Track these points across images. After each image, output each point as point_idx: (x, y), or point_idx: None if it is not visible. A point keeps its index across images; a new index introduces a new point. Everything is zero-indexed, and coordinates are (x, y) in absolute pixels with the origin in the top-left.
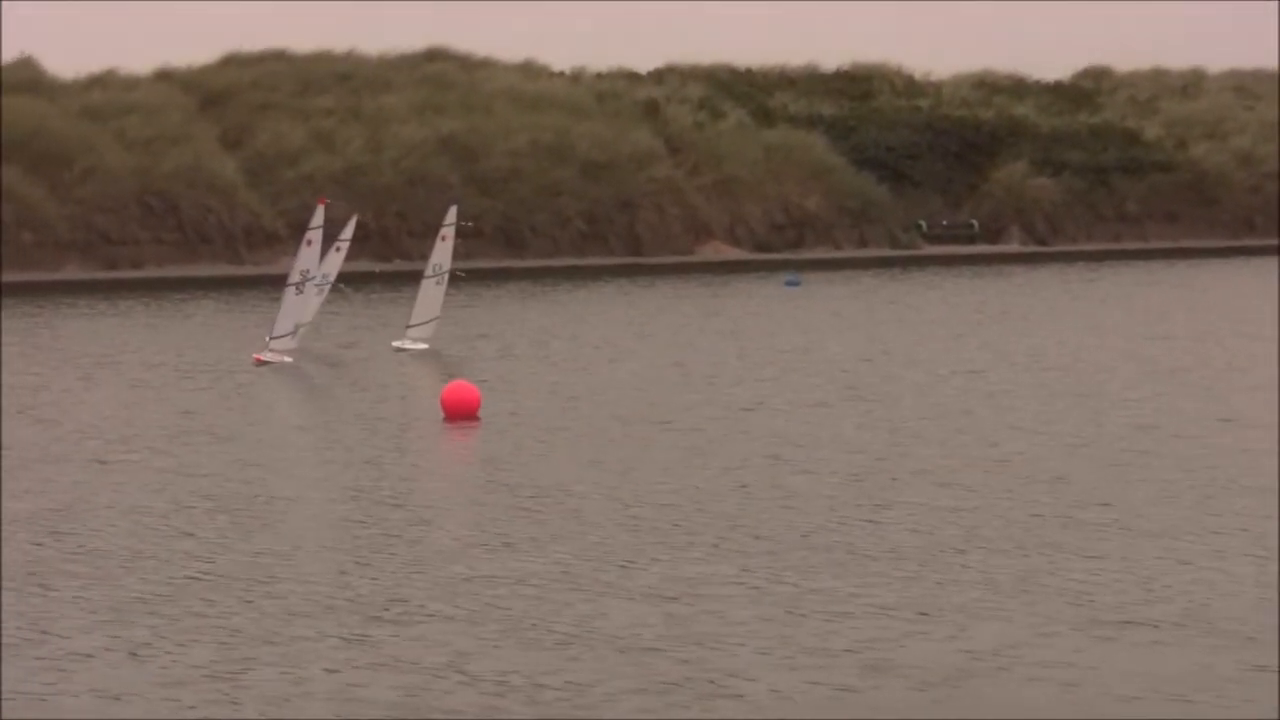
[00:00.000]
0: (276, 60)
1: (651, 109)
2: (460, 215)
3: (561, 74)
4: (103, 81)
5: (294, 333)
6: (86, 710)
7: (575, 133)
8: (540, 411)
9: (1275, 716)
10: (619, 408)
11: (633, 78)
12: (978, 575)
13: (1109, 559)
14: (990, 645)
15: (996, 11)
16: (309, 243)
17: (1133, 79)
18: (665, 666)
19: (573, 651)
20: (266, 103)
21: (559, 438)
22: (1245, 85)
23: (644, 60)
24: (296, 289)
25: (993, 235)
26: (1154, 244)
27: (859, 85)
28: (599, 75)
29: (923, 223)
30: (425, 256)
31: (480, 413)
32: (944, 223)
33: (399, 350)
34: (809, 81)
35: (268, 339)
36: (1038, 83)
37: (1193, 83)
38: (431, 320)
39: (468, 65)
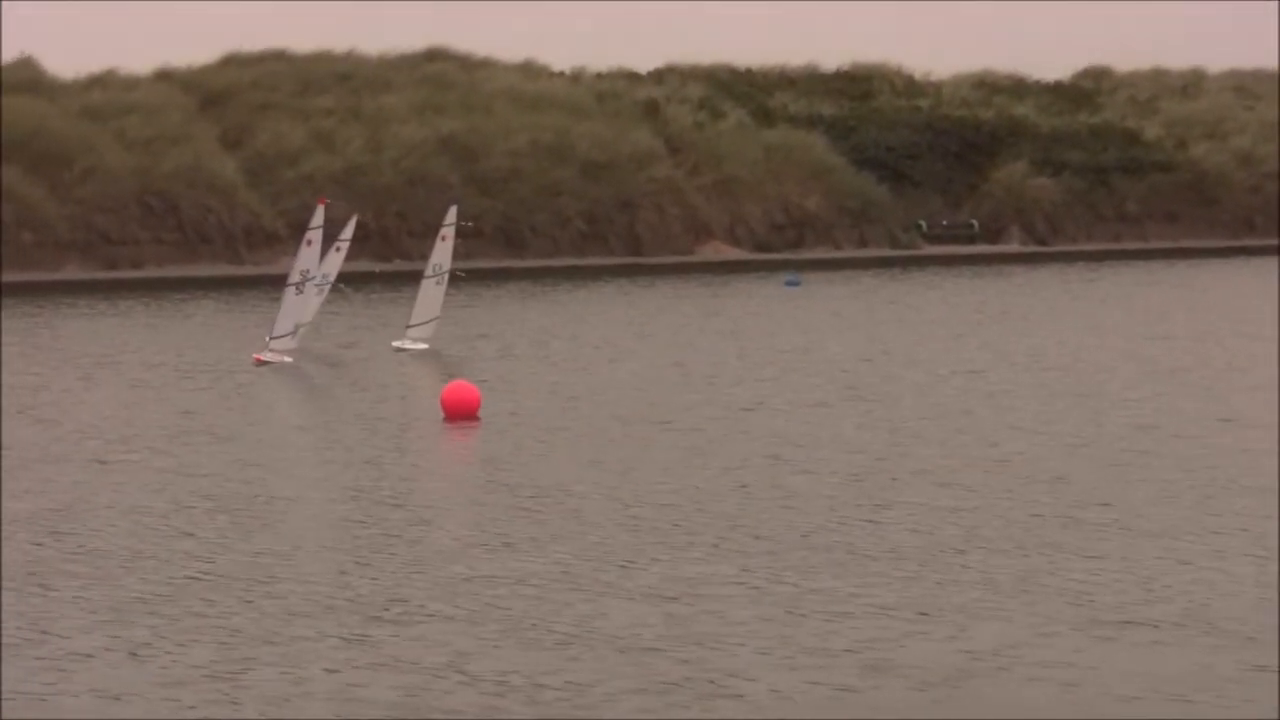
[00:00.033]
0: (276, 60)
1: (651, 109)
2: (460, 215)
3: (561, 74)
4: (103, 81)
5: (294, 333)
6: (86, 710)
7: (575, 133)
8: (540, 411)
9: (1275, 717)
10: (619, 408)
11: (633, 78)
12: (978, 575)
13: (1109, 559)
14: (990, 645)
15: (996, 11)
16: (309, 243)
17: (1133, 79)
18: (665, 666)
19: (573, 651)
20: (266, 103)
21: (559, 438)
22: (1245, 85)
23: (644, 60)
24: (296, 289)
25: (993, 235)
26: (1154, 244)
27: (859, 85)
28: (599, 75)
29: (923, 223)
30: (425, 256)
31: (480, 413)
32: (944, 223)
33: (399, 350)
34: (809, 81)
35: (268, 339)
36: (1038, 83)
37: (1193, 83)
38: (431, 320)
39: (468, 65)
